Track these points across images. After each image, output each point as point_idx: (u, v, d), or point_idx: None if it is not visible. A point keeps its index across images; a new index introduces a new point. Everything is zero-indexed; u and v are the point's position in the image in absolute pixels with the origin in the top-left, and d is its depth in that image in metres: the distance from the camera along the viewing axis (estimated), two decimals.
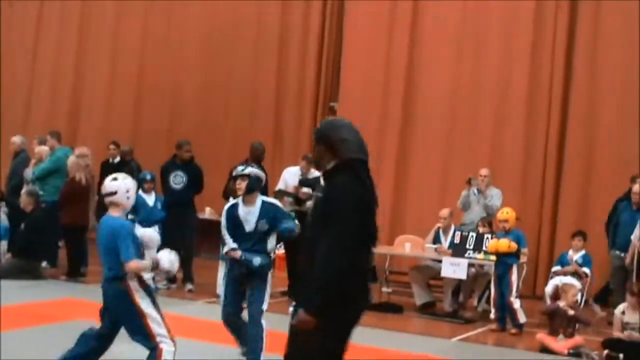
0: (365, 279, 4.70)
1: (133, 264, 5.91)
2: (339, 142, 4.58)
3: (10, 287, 10.30)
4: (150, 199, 11.70)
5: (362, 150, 4.61)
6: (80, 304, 9.67)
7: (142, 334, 5.96)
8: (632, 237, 11.23)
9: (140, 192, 11.76)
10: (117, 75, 17.94)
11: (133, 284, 5.99)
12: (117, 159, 14.05)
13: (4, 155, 15.36)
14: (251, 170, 7.42)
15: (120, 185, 6.16)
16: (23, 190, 12.52)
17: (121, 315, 6.05)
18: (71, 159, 12.27)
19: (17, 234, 12.24)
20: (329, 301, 4.38)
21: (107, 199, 6.15)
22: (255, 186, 7.37)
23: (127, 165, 13.96)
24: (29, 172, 13.05)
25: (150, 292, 6.08)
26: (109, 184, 6.17)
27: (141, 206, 11.59)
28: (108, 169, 13.70)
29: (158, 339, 5.94)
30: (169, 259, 6.19)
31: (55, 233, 12.44)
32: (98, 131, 17.45)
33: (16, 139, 14.11)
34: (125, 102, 17.73)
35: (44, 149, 13.23)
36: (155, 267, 6.16)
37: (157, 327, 5.97)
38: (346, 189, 4.50)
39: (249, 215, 7.29)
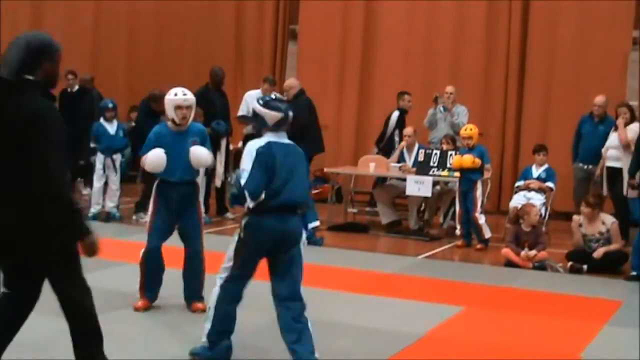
0: None
1: None
2: None
3: None
4: (112, 128, 11.60)
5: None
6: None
7: None
8: (603, 150, 11.28)
9: (102, 120, 11.68)
10: (74, 4, 17.52)
11: None
12: (76, 87, 13.79)
13: None
14: None
15: None
16: None
17: None
18: None
19: None
20: None
21: None
22: None
23: (87, 94, 13.72)
24: None
25: None
26: None
27: (103, 135, 11.53)
28: (68, 98, 13.48)
29: None
30: None
31: None
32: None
33: None
34: (82, 30, 17.37)
35: None
36: None
37: None
38: None
39: None
